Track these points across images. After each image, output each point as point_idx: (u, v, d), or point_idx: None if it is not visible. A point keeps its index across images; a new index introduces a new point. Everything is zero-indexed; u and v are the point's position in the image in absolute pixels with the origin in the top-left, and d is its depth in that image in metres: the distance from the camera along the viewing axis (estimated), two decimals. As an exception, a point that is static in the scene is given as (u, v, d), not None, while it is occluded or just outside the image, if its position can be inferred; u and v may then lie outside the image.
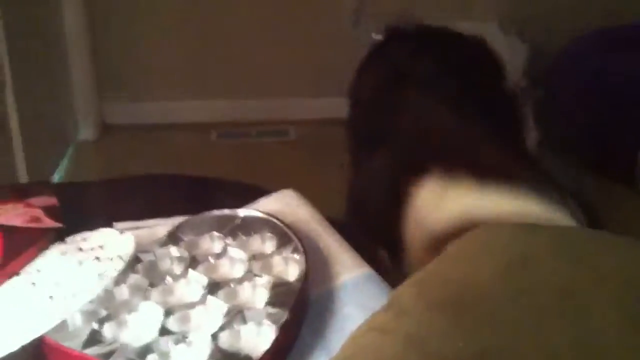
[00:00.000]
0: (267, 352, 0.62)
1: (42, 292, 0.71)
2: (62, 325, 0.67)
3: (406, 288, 0.58)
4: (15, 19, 2.02)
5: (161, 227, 0.84)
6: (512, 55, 2.20)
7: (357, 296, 0.73)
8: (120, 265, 0.73)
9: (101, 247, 0.78)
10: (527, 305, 0.53)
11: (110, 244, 0.78)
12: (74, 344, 0.65)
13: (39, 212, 0.86)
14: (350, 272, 0.76)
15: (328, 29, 2.70)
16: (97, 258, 0.75)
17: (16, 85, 1.99)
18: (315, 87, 2.80)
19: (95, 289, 0.70)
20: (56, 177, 2.36)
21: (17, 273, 0.75)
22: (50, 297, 0.70)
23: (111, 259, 0.75)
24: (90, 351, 0.63)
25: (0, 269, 0.75)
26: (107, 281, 0.71)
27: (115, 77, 2.85)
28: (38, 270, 0.75)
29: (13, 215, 0.84)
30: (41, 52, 2.38)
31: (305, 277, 0.71)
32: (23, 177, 2.02)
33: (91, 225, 0.83)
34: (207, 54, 2.79)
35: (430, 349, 0.50)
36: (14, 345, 0.64)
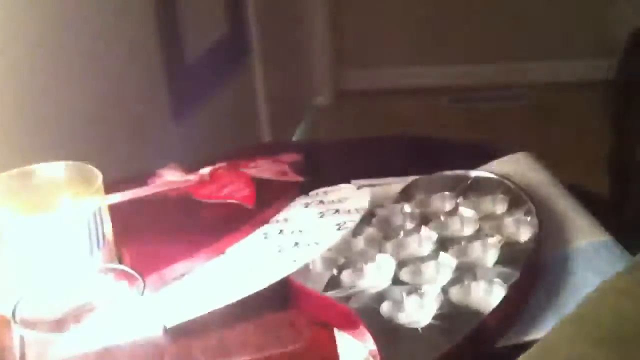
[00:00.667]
0: (497, 309, 0.63)
1: (288, 239, 0.78)
2: (306, 270, 0.73)
3: None
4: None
5: (395, 185, 0.88)
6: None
7: (594, 262, 0.71)
8: (357, 217, 0.78)
9: (340, 200, 0.83)
10: None
11: (349, 198, 0.83)
12: (316, 286, 0.70)
13: (285, 167, 0.93)
14: (587, 238, 0.74)
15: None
16: (337, 210, 0.81)
17: (262, 52, 2.14)
18: (548, 49, 2.68)
19: (334, 238, 0.75)
20: (295, 139, 2.51)
21: (267, 221, 0.83)
22: (296, 243, 0.76)
23: (349, 212, 0.79)
24: (330, 294, 0.69)
25: (252, 217, 0.83)
26: (346, 231, 0.76)
27: (351, 43, 2.94)
28: (285, 220, 0.82)
29: (264, 169, 0.93)
30: (286, 21, 2.53)
31: (537, 239, 0.70)
32: (267, 137, 2.19)
33: (330, 181, 0.89)
34: (441, 18, 2.78)
35: None
36: (264, 284, 0.71)
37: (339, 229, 0.77)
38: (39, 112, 1.12)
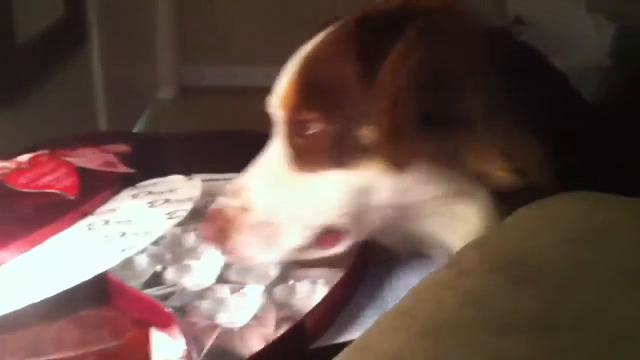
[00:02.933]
0: (315, 308, 0.62)
1: (115, 229, 0.72)
2: (128, 265, 0.68)
3: (468, 250, 0.56)
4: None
5: (232, 180, 0.85)
6: (597, 34, 2.10)
7: (418, 266, 0.71)
8: (188, 206, 0.74)
9: (171, 191, 0.79)
10: (591, 280, 0.51)
11: (180, 189, 0.80)
12: (136, 283, 0.66)
13: (113, 158, 0.88)
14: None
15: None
16: (167, 200, 0.77)
17: (101, 41, 2.03)
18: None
19: (165, 227, 0.71)
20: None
21: (90, 213, 0.77)
22: (123, 233, 0.71)
23: (180, 201, 0.76)
24: (149, 291, 0.64)
25: (74, 208, 0.77)
26: (177, 220, 0.72)
27: (196, 39, 2.88)
28: (111, 210, 0.77)
29: (89, 158, 0.86)
30: (128, 11, 2.43)
31: (365, 242, 0.69)
32: (104, 129, 2.08)
33: (163, 174, 0.84)
34: (286, 19, 2.79)
35: (489, 306, 0.49)
36: (83, 277, 0.65)
37: (169, 218, 0.73)
38: None
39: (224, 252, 0.65)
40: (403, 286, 0.68)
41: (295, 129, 0.64)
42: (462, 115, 0.59)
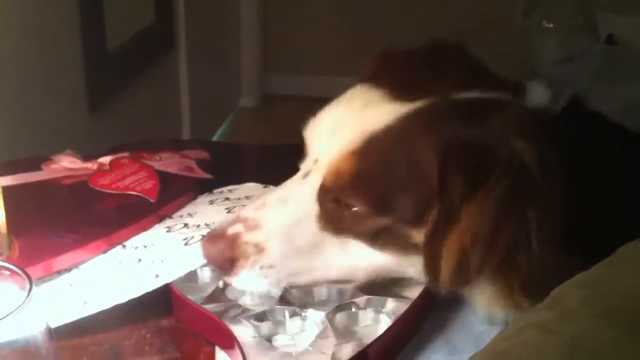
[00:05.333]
0: (379, 338, 0.57)
1: (194, 232, 0.71)
2: (192, 278, 0.66)
3: (572, 289, 0.50)
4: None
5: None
6: None
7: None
8: None
9: (247, 198, 0.77)
10: None
11: (256, 196, 0.76)
12: (196, 297, 0.63)
13: (191, 163, 0.86)
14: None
15: (497, 16, 2.58)
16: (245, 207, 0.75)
17: (188, 48, 2.06)
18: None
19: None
20: (215, 139, 2.44)
21: (169, 216, 0.76)
22: (203, 236, 0.69)
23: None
24: (209, 307, 0.62)
25: (154, 210, 0.76)
26: None
27: (279, 48, 2.90)
28: (189, 215, 0.76)
29: (168, 163, 0.86)
30: (213, 20, 2.46)
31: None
32: (187, 134, 2.11)
33: (238, 183, 0.83)
34: (369, 31, 2.78)
35: (598, 357, 0.44)
36: (169, 278, 0.64)
37: None
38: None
39: (224, 277, 0.62)
40: (473, 320, 0.64)
41: (335, 201, 0.59)
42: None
